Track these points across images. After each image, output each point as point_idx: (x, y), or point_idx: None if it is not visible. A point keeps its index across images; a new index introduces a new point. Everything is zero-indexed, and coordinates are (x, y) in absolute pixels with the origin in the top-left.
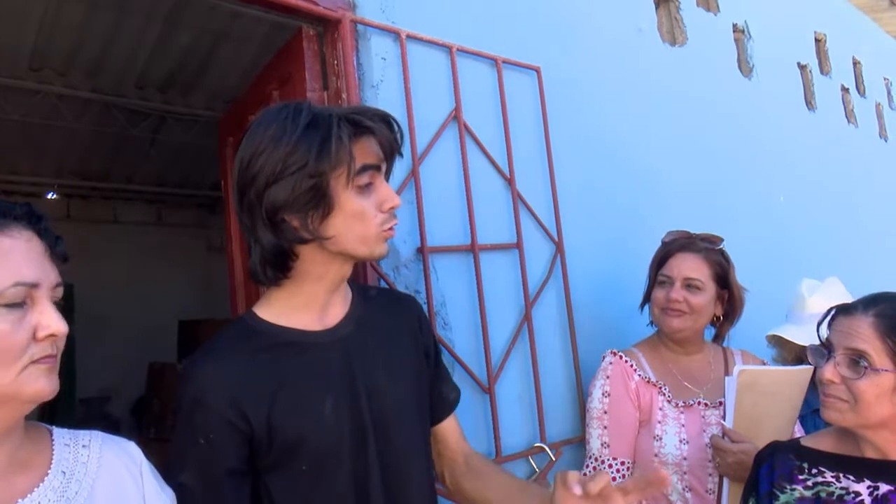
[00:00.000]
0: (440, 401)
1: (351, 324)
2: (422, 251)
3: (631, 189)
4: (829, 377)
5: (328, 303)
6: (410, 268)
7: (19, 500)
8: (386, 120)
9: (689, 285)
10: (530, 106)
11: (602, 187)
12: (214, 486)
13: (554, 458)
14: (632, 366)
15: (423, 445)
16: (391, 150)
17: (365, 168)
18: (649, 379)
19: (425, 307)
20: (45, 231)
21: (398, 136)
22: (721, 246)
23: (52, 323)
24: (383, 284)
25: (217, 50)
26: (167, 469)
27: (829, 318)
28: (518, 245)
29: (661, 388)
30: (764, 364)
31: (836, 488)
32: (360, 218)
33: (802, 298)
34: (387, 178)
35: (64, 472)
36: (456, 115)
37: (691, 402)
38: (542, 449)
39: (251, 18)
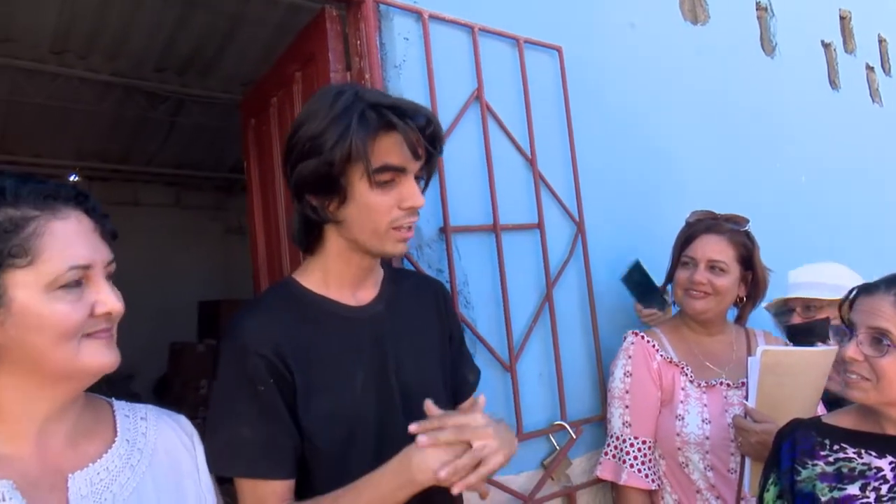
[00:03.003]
0: (462, 383)
1: (381, 303)
2: (444, 231)
3: (652, 169)
4: (851, 355)
5: (361, 281)
6: (433, 247)
7: (90, 464)
8: (421, 117)
9: (713, 267)
10: (552, 86)
11: (623, 167)
12: (278, 437)
13: (574, 436)
14: (654, 346)
15: None
16: (418, 152)
17: (385, 168)
18: (671, 359)
19: (448, 286)
20: (93, 209)
21: (435, 132)
22: (746, 227)
23: (109, 301)
24: (407, 264)
25: (233, 33)
26: (211, 427)
27: (851, 298)
28: (539, 225)
29: (683, 367)
30: (787, 345)
31: (857, 464)
32: (373, 211)
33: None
34: (425, 179)
35: (128, 441)
36: (478, 95)
37: (713, 383)
38: (563, 427)
39: (266, 2)
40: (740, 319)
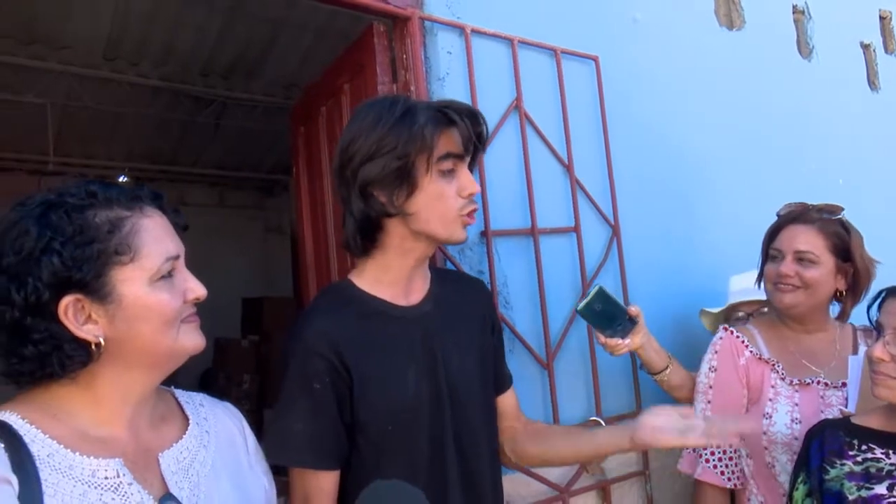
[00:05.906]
0: (502, 375)
1: (430, 302)
2: (485, 234)
3: (686, 173)
4: (878, 355)
5: (412, 280)
6: (475, 250)
7: (174, 444)
8: (473, 116)
9: (801, 258)
10: (588, 94)
11: (658, 172)
12: (326, 431)
13: None
14: (743, 342)
15: (490, 414)
16: (472, 145)
17: (447, 156)
18: (761, 355)
19: (488, 287)
20: (166, 207)
21: (482, 131)
22: (841, 216)
23: (198, 288)
24: (450, 265)
25: (276, 38)
26: (273, 422)
27: (879, 300)
28: (576, 229)
29: (773, 364)
30: None
31: (885, 464)
32: (440, 199)
33: (729, 283)
34: (471, 169)
35: (198, 424)
36: (517, 105)
37: (808, 381)
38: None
39: (307, 7)
40: (842, 315)
